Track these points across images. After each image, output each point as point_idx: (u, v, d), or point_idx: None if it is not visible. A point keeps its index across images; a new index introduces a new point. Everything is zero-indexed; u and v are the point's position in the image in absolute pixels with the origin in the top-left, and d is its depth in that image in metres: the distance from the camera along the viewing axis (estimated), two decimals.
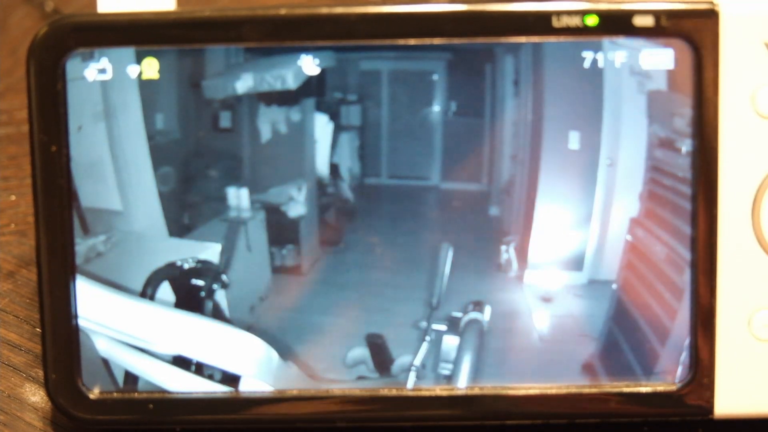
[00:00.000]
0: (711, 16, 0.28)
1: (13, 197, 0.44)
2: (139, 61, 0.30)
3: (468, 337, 0.32)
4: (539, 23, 0.29)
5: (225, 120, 0.33)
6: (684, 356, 0.30)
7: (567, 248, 0.32)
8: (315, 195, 0.33)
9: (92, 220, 0.31)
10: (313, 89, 0.31)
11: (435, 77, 0.31)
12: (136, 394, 0.31)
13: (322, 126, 0.32)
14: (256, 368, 0.32)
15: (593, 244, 0.32)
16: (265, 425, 0.31)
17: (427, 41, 0.29)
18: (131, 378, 0.32)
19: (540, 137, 0.31)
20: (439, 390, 0.31)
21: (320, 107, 0.32)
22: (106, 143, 0.31)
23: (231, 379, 0.32)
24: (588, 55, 0.30)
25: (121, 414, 0.31)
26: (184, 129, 0.33)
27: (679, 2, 0.29)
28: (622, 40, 0.29)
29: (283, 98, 0.32)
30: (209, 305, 0.33)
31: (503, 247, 0.32)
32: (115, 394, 0.31)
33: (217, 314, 0.33)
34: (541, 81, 0.31)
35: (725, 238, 0.29)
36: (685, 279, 0.30)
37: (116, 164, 0.32)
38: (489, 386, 0.31)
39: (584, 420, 0.31)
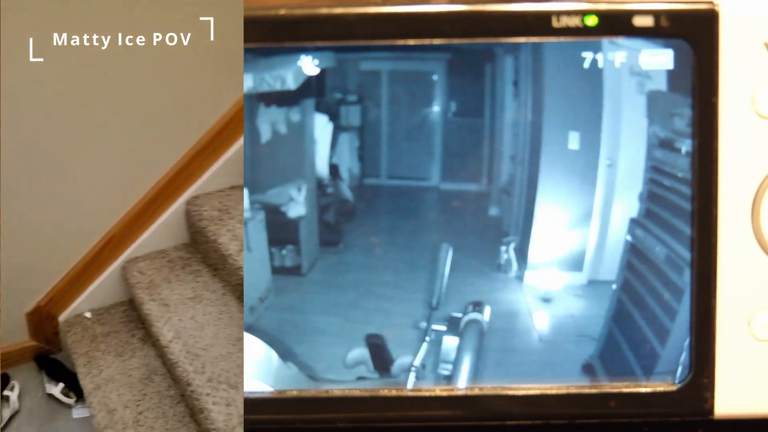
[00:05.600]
0: (711, 16, 0.28)
1: None
2: None
3: (468, 337, 0.32)
4: (539, 23, 0.29)
5: None
6: (684, 356, 0.30)
7: (567, 248, 0.32)
8: (315, 195, 0.33)
9: None
10: (313, 89, 0.31)
11: (435, 77, 0.31)
12: None
13: (322, 126, 0.32)
14: (256, 368, 0.32)
15: (593, 244, 0.32)
16: (265, 425, 0.31)
17: (427, 41, 0.29)
18: None
19: (540, 137, 0.31)
20: (439, 390, 0.31)
21: (320, 107, 0.32)
22: None
23: None
24: (588, 56, 0.30)
25: None
26: None
27: (679, 2, 0.29)
28: (621, 40, 0.29)
29: (283, 98, 0.32)
30: None
31: (503, 247, 0.32)
32: None
33: None
34: (541, 81, 0.31)
35: (725, 238, 0.29)
36: (685, 279, 0.30)
37: None
38: (489, 386, 0.31)
39: (584, 420, 0.31)
